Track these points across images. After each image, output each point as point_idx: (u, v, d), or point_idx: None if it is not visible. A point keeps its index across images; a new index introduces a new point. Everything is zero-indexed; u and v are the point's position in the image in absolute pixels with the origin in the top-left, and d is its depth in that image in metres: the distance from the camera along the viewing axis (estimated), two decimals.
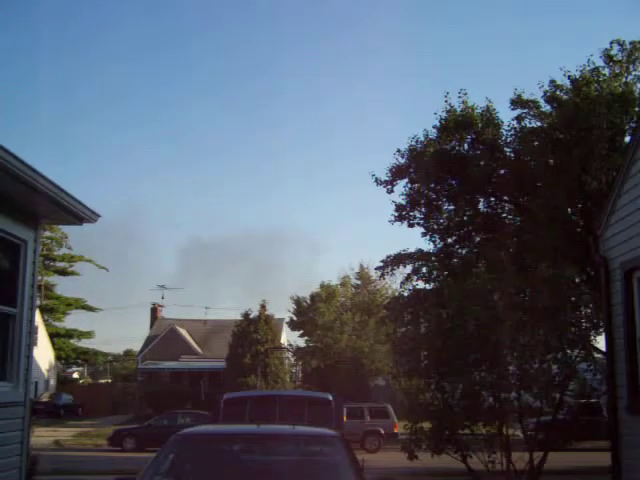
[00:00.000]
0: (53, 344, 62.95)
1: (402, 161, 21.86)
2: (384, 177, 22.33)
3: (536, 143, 20.12)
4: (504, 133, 21.16)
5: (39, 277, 60.13)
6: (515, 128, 20.88)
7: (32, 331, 9.21)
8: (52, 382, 61.88)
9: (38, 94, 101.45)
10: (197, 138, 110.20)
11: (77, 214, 9.19)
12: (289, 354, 50.72)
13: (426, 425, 13.22)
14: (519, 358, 12.86)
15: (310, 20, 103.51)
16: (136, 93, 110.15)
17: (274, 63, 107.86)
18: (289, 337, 56.77)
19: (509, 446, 12.60)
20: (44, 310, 62.53)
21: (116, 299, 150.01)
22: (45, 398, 53.10)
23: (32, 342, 9.26)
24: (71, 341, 69.80)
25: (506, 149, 21.21)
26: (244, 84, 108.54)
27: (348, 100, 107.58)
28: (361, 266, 58.65)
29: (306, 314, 53.36)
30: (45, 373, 59.90)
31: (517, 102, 20.84)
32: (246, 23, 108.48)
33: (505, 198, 21.98)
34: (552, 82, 20.29)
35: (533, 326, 12.83)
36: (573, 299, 13.98)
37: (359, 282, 59.00)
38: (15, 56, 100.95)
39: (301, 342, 54.35)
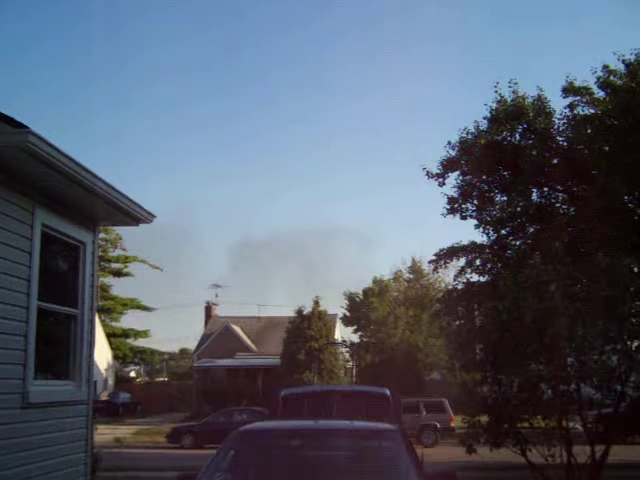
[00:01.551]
0: (110, 344, 64.04)
1: (453, 153, 21.67)
2: (435, 170, 22.17)
3: (590, 130, 19.76)
4: (556, 122, 20.81)
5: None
6: (568, 116, 20.50)
7: (93, 331, 9.41)
8: (110, 381, 62.98)
9: (98, 95, 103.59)
10: (251, 140, 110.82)
11: (134, 215, 9.35)
12: (343, 350, 50.74)
13: (484, 419, 13.11)
14: (577, 350, 12.64)
15: (358, 9, 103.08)
16: (195, 100, 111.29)
17: (319, 55, 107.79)
18: (343, 333, 56.85)
19: (570, 439, 12.42)
20: (101, 311, 63.61)
21: (170, 298, 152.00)
22: (104, 397, 54.07)
23: (93, 341, 9.46)
24: (127, 341, 70.93)
25: (559, 138, 20.86)
26: (283, 77, 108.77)
27: (398, 93, 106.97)
28: (413, 260, 58.45)
29: (359, 309, 53.34)
30: (103, 372, 60.98)
31: (569, 90, 20.45)
32: (296, 15, 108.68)
33: (558, 188, 21.63)
34: (605, 67, 19.85)
35: (591, 317, 12.60)
36: (632, 288, 13.69)
37: (412, 276, 58.73)
38: (76, 55, 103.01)
39: (355, 337, 54.43)
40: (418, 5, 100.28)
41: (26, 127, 6.61)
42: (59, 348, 8.94)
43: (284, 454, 7.32)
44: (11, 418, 7.28)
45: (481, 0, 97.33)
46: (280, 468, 6.93)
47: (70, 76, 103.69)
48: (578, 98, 20.44)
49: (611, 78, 19.82)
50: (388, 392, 14.03)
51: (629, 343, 12.69)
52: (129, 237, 66.73)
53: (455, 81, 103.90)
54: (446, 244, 22.70)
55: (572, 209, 21.24)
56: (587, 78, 20.50)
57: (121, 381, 66.57)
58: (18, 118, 6.64)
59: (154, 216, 9.87)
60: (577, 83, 20.41)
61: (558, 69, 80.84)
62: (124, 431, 38.55)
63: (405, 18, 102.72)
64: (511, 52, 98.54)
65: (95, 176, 7.88)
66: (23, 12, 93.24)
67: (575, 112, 20.48)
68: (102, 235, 64.95)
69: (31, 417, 7.64)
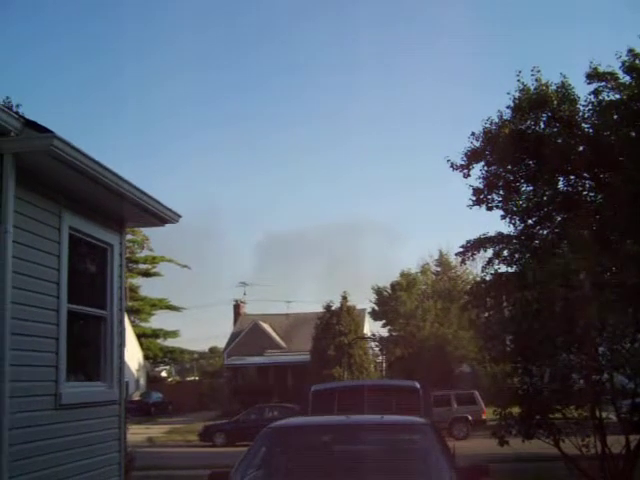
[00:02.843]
0: (141, 344, 64.50)
1: (477, 144, 21.50)
2: (460, 161, 22.03)
3: (616, 116, 19.51)
4: (581, 109, 20.56)
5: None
6: (592, 102, 20.24)
7: (122, 331, 9.49)
8: (142, 381, 63.48)
9: (121, 92, 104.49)
10: (272, 135, 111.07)
11: (160, 216, 9.41)
12: (372, 344, 50.71)
13: (515, 410, 13.02)
14: (609, 338, 12.51)
15: (382, 3, 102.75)
16: (218, 96, 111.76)
17: (348, 53, 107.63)
18: (371, 327, 56.85)
19: (603, 429, 12.30)
20: (130, 312, 64.09)
21: (199, 298, 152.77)
22: (136, 397, 54.53)
23: (123, 342, 9.55)
24: (158, 341, 71.44)
25: (584, 125, 20.61)
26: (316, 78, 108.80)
27: (421, 92, 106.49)
28: (440, 253, 58.26)
29: (387, 304, 53.29)
30: (135, 373, 61.46)
31: (593, 76, 20.18)
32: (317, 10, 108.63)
33: (585, 175, 21.40)
34: (630, 51, 19.55)
35: (622, 305, 12.46)
36: None
37: (439, 269, 58.55)
38: (98, 54, 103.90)
39: (384, 332, 54.37)
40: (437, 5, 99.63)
41: (51, 131, 6.67)
42: (90, 350, 9.04)
43: (315, 450, 7.34)
44: (45, 419, 7.39)
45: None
46: (312, 464, 6.95)
47: (84, 72, 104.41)
48: (603, 84, 20.16)
49: (636, 62, 19.55)
50: (418, 385, 13.99)
51: None
52: (155, 237, 67.17)
53: (477, 78, 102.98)
54: (473, 236, 22.54)
55: (599, 197, 21.00)
56: (611, 63, 20.23)
57: (152, 381, 67.05)
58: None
59: (180, 216, 9.92)
60: (601, 68, 20.15)
61: (581, 56, 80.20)
62: (156, 430, 38.90)
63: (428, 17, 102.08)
64: (530, 47, 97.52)
65: (120, 178, 7.94)
66: (35, 9, 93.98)
67: (600, 98, 20.20)
68: (129, 236, 65.42)
69: (64, 418, 7.73)
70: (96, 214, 8.69)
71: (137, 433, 34.43)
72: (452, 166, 22.16)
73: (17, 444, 6.78)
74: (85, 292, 8.78)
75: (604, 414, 12.62)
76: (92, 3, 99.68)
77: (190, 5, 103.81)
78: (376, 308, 55.45)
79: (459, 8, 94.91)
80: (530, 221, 21.66)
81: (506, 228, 22.18)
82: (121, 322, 9.41)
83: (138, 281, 70.81)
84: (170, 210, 9.52)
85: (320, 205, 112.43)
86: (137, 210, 8.90)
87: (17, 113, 6.76)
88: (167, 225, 10.12)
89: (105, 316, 9.05)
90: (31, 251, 7.25)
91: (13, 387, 6.69)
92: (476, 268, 42.60)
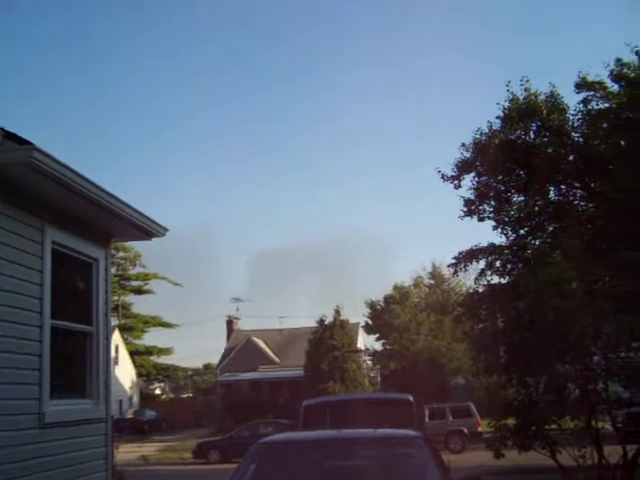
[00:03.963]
0: (134, 362, 64.22)
1: (467, 155, 21.34)
2: (450, 172, 21.93)
3: (605, 125, 19.45)
4: (570, 118, 20.43)
5: (116, 297, 61.54)
6: (582, 112, 20.17)
7: (109, 348, 9.31)
8: (135, 399, 63.14)
9: (109, 109, 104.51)
10: (266, 151, 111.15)
11: (146, 229, 9.27)
12: (366, 358, 50.54)
13: (511, 422, 12.90)
14: (604, 347, 12.42)
15: (371, 15, 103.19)
16: (200, 111, 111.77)
17: (332, 61, 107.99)
18: (365, 341, 56.61)
19: (600, 440, 12.17)
20: (123, 329, 63.85)
21: (192, 314, 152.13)
22: (129, 415, 54.21)
23: (110, 359, 9.37)
24: (151, 358, 71.14)
25: (574, 134, 20.51)
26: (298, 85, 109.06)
27: (412, 101, 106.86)
28: (433, 265, 58.19)
29: (381, 317, 53.14)
30: (128, 390, 61.13)
31: (582, 85, 20.11)
32: (305, 22, 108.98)
33: (576, 185, 21.32)
34: (618, 60, 19.54)
35: (616, 313, 12.36)
36: None
37: (432, 282, 58.46)
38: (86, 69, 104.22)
39: (377, 345, 54.20)
40: (426, 13, 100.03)
41: (30, 143, 6.54)
42: (75, 366, 8.85)
43: (307, 465, 7.18)
44: (28, 439, 7.20)
45: (486, 5, 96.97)
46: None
47: (89, 81, 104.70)
48: (592, 93, 20.10)
49: (624, 70, 19.52)
50: (411, 398, 13.85)
51: None
52: (148, 254, 66.97)
53: (469, 88, 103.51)
54: (465, 247, 22.41)
55: (590, 206, 20.92)
56: (600, 73, 20.22)
57: (146, 398, 66.68)
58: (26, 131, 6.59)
59: (167, 229, 9.79)
60: (590, 78, 20.10)
61: (569, 66, 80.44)
62: (150, 448, 38.59)
63: (414, 25, 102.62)
64: (520, 56, 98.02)
65: (104, 191, 7.81)
66: (37, 16, 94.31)
67: (589, 107, 20.12)
68: (121, 254, 65.39)
69: (49, 437, 7.55)
70: (80, 228, 8.53)
71: (131, 451, 34.19)
72: (443, 177, 22.02)
73: None
74: (70, 308, 8.61)
75: (600, 424, 12.51)
76: (85, 12, 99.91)
77: (175, 25, 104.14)
78: (369, 322, 55.27)
79: (458, 16, 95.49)
80: (522, 231, 21.52)
81: (498, 239, 22.04)
82: (107, 338, 9.23)
83: (130, 298, 70.60)
84: (156, 223, 9.38)
85: (312, 220, 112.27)
86: (122, 223, 8.76)
87: None
88: (157, 240, 9.99)
89: (91, 332, 8.87)
90: (12, 266, 7.09)
91: None
92: (469, 280, 42.50)
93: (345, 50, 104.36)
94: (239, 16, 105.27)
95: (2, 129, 6.64)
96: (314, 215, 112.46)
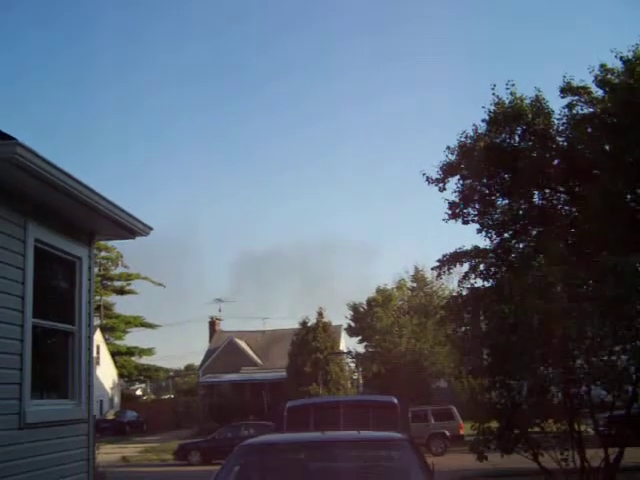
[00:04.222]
0: (115, 362, 63.84)
1: (452, 158, 21.48)
2: (435, 175, 21.99)
3: (589, 130, 19.59)
4: (555, 122, 20.63)
5: (98, 297, 61.13)
6: (567, 116, 20.33)
7: (91, 348, 9.20)
8: (116, 400, 62.75)
9: (106, 109, 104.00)
10: (249, 153, 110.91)
11: (130, 228, 9.17)
12: (349, 360, 50.53)
13: (494, 425, 12.88)
14: (586, 351, 12.43)
15: (362, 17, 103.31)
16: (195, 115, 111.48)
17: (319, 63, 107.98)
18: (348, 343, 56.68)
19: (582, 443, 12.17)
20: (105, 329, 63.47)
21: (174, 315, 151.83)
22: (110, 416, 53.84)
23: (92, 359, 9.26)
24: (132, 359, 70.76)
25: (558, 138, 20.68)
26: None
27: (396, 102, 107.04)
28: (416, 268, 58.20)
29: (364, 320, 53.15)
30: (109, 391, 60.75)
31: (567, 90, 20.28)
32: (299, 22, 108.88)
33: (560, 189, 21.44)
34: (602, 66, 19.68)
35: (599, 317, 12.38)
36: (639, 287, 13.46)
37: (415, 285, 58.50)
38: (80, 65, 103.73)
39: (360, 348, 54.23)
40: (416, 15, 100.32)
41: (13, 138, 6.44)
42: (57, 366, 8.73)
43: (290, 467, 7.13)
44: (8, 439, 7.07)
45: (472, 5, 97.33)
46: None
47: (80, 84, 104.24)
48: (577, 98, 20.27)
49: (609, 76, 19.67)
50: (396, 401, 13.80)
51: (638, 342, 12.46)
52: (130, 254, 66.63)
53: (455, 89, 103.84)
54: (449, 250, 22.47)
55: (574, 210, 21.04)
56: (584, 77, 20.37)
57: (127, 399, 66.30)
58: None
59: (151, 228, 9.69)
60: (575, 83, 20.24)
61: (554, 71, 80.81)
62: (131, 450, 38.34)
63: (404, 28, 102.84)
64: (505, 57, 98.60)
65: (88, 188, 7.71)
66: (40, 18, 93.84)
67: (574, 112, 20.30)
68: (103, 253, 64.98)
69: (29, 438, 7.43)
70: (63, 226, 8.41)
71: (111, 452, 33.92)
72: (428, 180, 22.11)
73: None
74: (52, 306, 8.50)
75: (583, 427, 12.52)
76: (65, 20, 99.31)
77: (166, 27, 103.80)
78: (352, 324, 55.30)
79: (452, 15, 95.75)
80: (506, 234, 21.65)
81: (482, 242, 22.18)
82: (90, 338, 9.12)
83: (112, 299, 70.20)
84: (140, 222, 9.28)
85: (296, 222, 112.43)
86: (106, 222, 8.65)
87: None
88: (138, 238, 9.87)
89: (73, 331, 8.75)
90: None
91: None
92: (452, 283, 42.68)
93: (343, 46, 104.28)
94: (231, 18, 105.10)
95: None
96: (298, 217, 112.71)
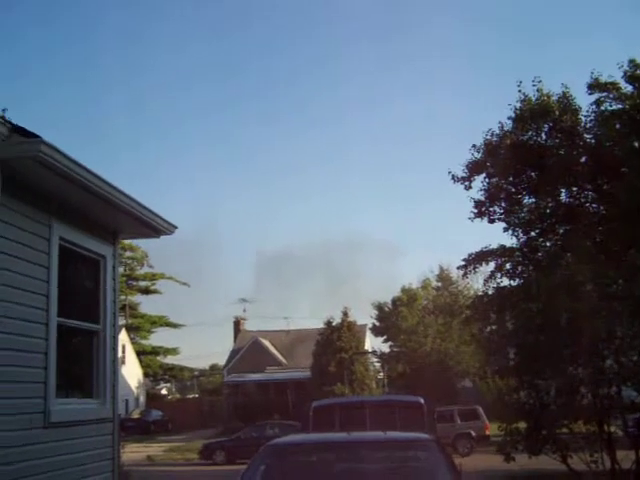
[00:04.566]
0: (140, 362, 64.15)
1: (478, 156, 21.19)
2: (461, 174, 21.74)
3: (618, 126, 19.25)
4: (583, 119, 20.27)
5: (123, 297, 61.46)
6: (595, 112, 19.99)
7: (116, 347, 9.18)
8: (142, 399, 63.07)
9: (114, 110, 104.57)
10: (268, 153, 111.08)
11: (154, 226, 9.14)
12: (374, 360, 50.40)
13: (521, 425, 12.73)
14: (616, 351, 12.24)
15: (371, 22, 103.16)
16: (212, 111, 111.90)
17: (338, 65, 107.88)
18: (373, 343, 56.53)
19: (612, 444, 11.99)
20: (130, 329, 63.84)
21: (199, 315, 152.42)
22: (136, 415, 54.14)
23: (117, 358, 9.23)
24: (157, 358, 71.13)
25: (586, 135, 20.32)
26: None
27: (420, 104, 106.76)
28: (441, 268, 57.99)
29: (388, 319, 53.04)
30: (135, 390, 61.07)
31: (595, 86, 19.93)
32: (306, 27, 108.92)
33: (587, 187, 21.12)
34: (632, 61, 19.34)
35: (629, 316, 12.19)
36: None
37: (440, 284, 58.26)
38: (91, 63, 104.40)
39: (385, 347, 54.09)
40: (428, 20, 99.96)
41: (38, 136, 6.42)
42: (82, 365, 8.72)
43: (316, 468, 7.06)
44: (33, 438, 7.06)
45: (489, 10, 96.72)
46: None
47: (84, 85, 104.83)
48: (605, 94, 19.91)
49: (638, 72, 19.33)
50: (422, 401, 13.66)
51: None
52: (155, 254, 66.98)
53: (480, 92, 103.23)
54: (475, 249, 22.21)
55: (602, 208, 20.72)
56: (613, 73, 20.01)
57: (152, 399, 66.61)
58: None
59: (175, 227, 9.65)
60: (603, 79, 19.91)
61: (580, 68, 79.94)
62: (156, 449, 38.48)
63: (414, 32, 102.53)
64: (513, 58, 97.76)
65: (112, 186, 7.67)
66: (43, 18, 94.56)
67: (602, 108, 19.96)
68: (128, 253, 65.38)
69: (54, 437, 7.41)
70: (88, 224, 8.39)
71: (136, 451, 34.07)
72: (453, 178, 21.87)
73: (3, 464, 6.48)
74: (77, 305, 8.48)
75: (613, 428, 12.34)
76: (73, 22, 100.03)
77: (175, 22, 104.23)
78: (377, 324, 55.17)
79: (458, 21, 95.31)
80: (533, 233, 21.34)
81: (508, 241, 21.88)
82: (114, 337, 9.09)
83: (138, 298, 70.59)
84: (165, 220, 9.24)
85: (320, 222, 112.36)
86: (130, 220, 8.62)
87: (3, 118, 6.49)
88: (162, 237, 9.84)
89: (98, 330, 8.73)
90: (18, 262, 6.95)
91: None
92: (477, 283, 42.37)
93: (349, 51, 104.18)
94: (249, 18, 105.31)
95: (9, 122, 6.53)
96: (323, 216, 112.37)
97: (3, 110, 6.58)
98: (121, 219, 8.65)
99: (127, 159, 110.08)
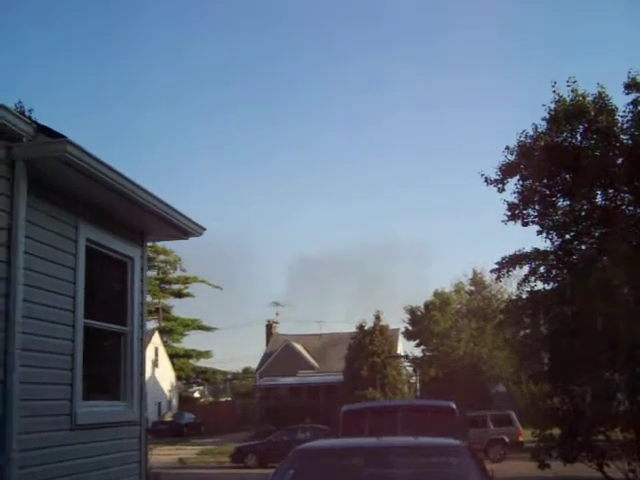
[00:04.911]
0: (173, 365, 64.47)
1: (512, 158, 20.89)
2: (494, 176, 21.46)
3: None
4: (619, 120, 19.88)
5: (156, 300, 61.80)
6: (632, 113, 19.59)
7: (143, 349, 9.13)
8: (174, 402, 63.37)
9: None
10: (300, 154, 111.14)
11: (182, 228, 9.07)
12: (406, 364, 50.11)
13: (556, 432, 12.47)
14: None
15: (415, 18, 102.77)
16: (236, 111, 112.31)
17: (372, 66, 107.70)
18: (405, 347, 56.19)
19: None
20: (163, 332, 64.23)
21: (231, 318, 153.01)
22: (168, 417, 54.43)
23: (144, 360, 9.18)
24: (190, 361, 71.46)
25: (623, 136, 19.90)
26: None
27: (448, 111, 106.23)
28: (474, 271, 57.45)
29: (421, 323, 52.72)
30: (167, 393, 61.39)
31: (632, 85, 19.49)
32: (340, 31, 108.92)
33: (624, 188, 20.71)
34: None
35: None
36: None
37: (473, 288, 57.77)
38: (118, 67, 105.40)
39: (417, 352, 53.78)
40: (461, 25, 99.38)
41: (63, 136, 6.38)
42: (109, 367, 8.69)
43: (345, 473, 6.94)
44: (60, 440, 7.03)
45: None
46: None
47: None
48: None
49: None
50: (454, 406, 13.43)
51: None
52: (188, 258, 67.31)
53: (515, 97, 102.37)
54: (508, 252, 21.90)
55: (639, 210, 20.32)
56: None
57: (185, 401, 66.95)
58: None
59: (204, 229, 9.58)
60: None
61: (616, 68, 78.87)
62: (188, 451, 38.61)
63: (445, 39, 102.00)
64: (566, 61, 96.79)
65: (138, 186, 7.61)
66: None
67: (639, 109, 19.58)
68: (162, 257, 65.82)
69: (80, 439, 7.37)
70: (115, 225, 8.36)
71: (168, 454, 34.19)
72: (486, 181, 21.60)
73: (29, 466, 6.45)
74: (104, 307, 8.46)
75: None
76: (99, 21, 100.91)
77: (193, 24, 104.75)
78: (409, 328, 54.86)
79: (492, 27, 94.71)
80: (567, 236, 20.98)
81: (542, 244, 21.55)
82: (142, 339, 9.04)
83: (171, 301, 71.01)
84: (193, 222, 9.17)
85: (353, 226, 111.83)
86: (157, 221, 8.55)
87: (29, 118, 6.48)
88: (191, 239, 9.79)
89: (125, 332, 8.69)
90: (44, 263, 6.93)
91: (24, 406, 6.35)
92: (511, 286, 41.88)
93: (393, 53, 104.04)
94: (266, 17, 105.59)
95: (35, 122, 6.51)
96: (355, 221, 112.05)
97: (29, 110, 6.57)
98: (147, 219, 8.58)
99: (146, 159, 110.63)
